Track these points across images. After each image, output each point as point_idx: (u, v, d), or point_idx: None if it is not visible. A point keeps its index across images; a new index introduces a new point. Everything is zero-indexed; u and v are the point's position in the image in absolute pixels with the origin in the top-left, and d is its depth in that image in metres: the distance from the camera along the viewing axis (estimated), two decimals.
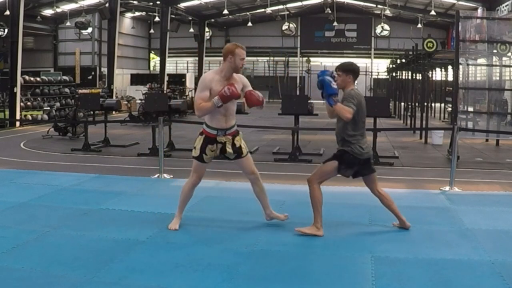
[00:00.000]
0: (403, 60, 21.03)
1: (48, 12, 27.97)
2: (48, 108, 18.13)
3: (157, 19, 30.59)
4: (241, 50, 4.70)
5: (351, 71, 4.86)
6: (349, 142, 4.78)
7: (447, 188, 7.28)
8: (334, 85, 4.68)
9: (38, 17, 27.54)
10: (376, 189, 5.00)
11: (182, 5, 29.28)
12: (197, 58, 34.48)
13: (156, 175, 7.99)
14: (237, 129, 4.97)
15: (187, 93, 25.93)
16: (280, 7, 32.10)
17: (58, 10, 27.58)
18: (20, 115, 17.11)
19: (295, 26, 36.89)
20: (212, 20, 34.14)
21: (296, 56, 38.10)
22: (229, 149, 4.84)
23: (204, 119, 4.84)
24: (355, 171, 4.90)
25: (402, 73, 22.74)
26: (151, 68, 38.51)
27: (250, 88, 4.91)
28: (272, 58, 38.22)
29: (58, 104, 18.87)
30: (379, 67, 36.55)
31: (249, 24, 32.72)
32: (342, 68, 4.88)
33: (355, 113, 4.66)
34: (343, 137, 4.82)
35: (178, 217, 5.04)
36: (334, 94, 4.67)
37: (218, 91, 4.58)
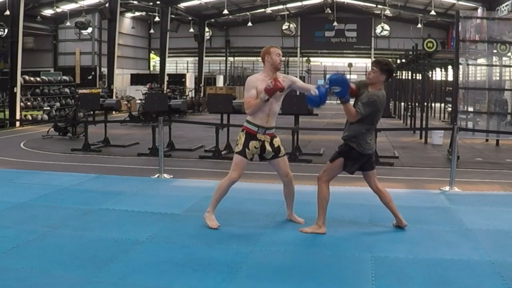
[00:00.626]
0: (403, 60, 21.05)
1: (48, 12, 27.98)
2: (48, 108, 18.11)
3: (157, 19, 30.60)
4: (275, 48, 5.01)
5: (387, 71, 4.78)
6: (357, 137, 4.76)
7: (447, 188, 7.28)
8: (337, 90, 4.67)
9: (38, 17, 27.55)
10: (375, 186, 5.01)
11: (182, 5, 29.28)
12: (197, 58, 34.47)
13: (156, 175, 7.99)
14: (275, 133, 5.11)
15: (187, 93, 25.92)
16: (280, 7, 32.11)
17: (58, 10, 27.59)
18: (20, 115, 17.10)
19: (295, 26, 36.90)
20: (212, 20, 34.14)
21: (296, 56, 38.13)
22: (268, 147, 5.00)
23: (247, 118, 5.02)
24: (359, 167, 4.90)
25: (402, 73, 22.74)
26: (151, 68, 38.52)
27: (300, 83, 5.14)
28: None
29: (58, 104, 18.85)
30: None
31: (249, 24, 32.73)
32: (380, 65, 4.80)
33: (370, 116, 4.69)
34: (351, 132, 4.79)
35: (212, 212, 5.09)
36: (344, 94, 4.67)
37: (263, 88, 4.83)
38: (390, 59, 26.85)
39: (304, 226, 5.01)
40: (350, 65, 35.30)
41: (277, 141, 5.08)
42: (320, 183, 4.90)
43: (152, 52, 38.21)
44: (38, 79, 19.47)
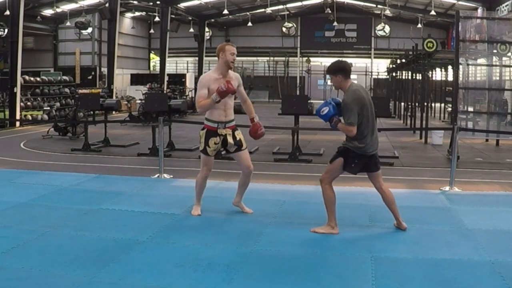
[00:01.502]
0: (403, 60, 21.04)
1: (48, 12, 27.97)
2: (48, 108, 18.13)
3: (157, 19, 30.59)
4: (230, 46, 5.12)
5: (338, 71, 4.81)
6: (352, 138, 4.77)
7: (447, 188, 7.28)
8: (323, 111, 4.77)
9: (38, 17, 27.54)
10: (379, 186, 5.00)
11: (182, 5, 29.28)
12: (197, 58, 34.48)
13: (156, 175, 7.99)
14: (235, 125, 5.31)
15: (187, 93, 25.92)
16: (280, 7, 32.10)
17: (58, 10, 27.58)
18: (20, 115, 17.11)
19: (295, 26, 36.90)
20: (212, 20, 34.14)
21: (296, 56, 38.10)
22: (230, 140, 5.18)
23: (205, 114, 5.19)
24: (361, 167, 4.87)
25: (402, 73, 22.74)
26: (151, 68, 38.51)
27: (241, 88, 5.30)
28: (272, 58, 38.22)
29: (58, 104, 18.87)
30: (379, 67, 36.56)
31: (249, 24, 32.71)
32: (329, 71, 4.88)
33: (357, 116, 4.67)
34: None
35: (198, 204, 5.48)
36: (329, 119, 4.77)
37: (216, 88, 4.97)
38: (390, 59, 26.72)
39: (314, 226, 4.99)
40: (350, 65, 35.27)
41: (238, 134, 5.27)
42: (322, 185, 4.89)
43: (152, 52, 38.19)
44: (38, 79, 19.48)
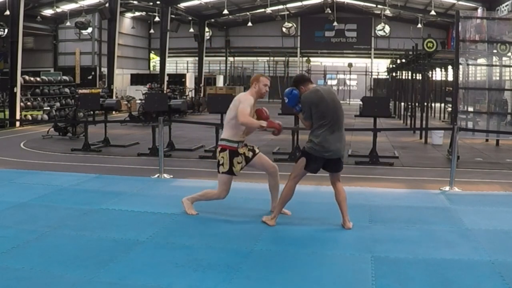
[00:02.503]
0: (403, 60, 21.04)
1: (48, 12, 27.99)
2: (48, 108, 18.11)
3: (157, 19, 30.60)
4: (265, 79, 5.40)
5: (297, 83, 5.16)
6: (311, 140, 4.99)
7: (447, 188, 7.28)
8: (286, 101, 5.24)
9: (38, 17, 27.56)
10: (335, 184, 5.14)
11: (182, 5, 29.28)
12: (197, 58, 34.47)
13: (156, 175, 7.99)
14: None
15: (187, 93, 25.93)
16: (280, 7, 32.11)
17: (58, 10, 27.60)
18: (20, 115, 17.10)
19: (295, 26, 36.91)
20: (212, 20, 34.14)
21: (296, 56, 38.11)
22: (247, 154, 5.38)
23: (225, 137, 5.32)
24: (321, 166, 5.07)
25: (402, 73, 22.75)
26: (151, 68, 38.51)
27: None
28: (272, 58, 38.22)
29: (58, 104, 18.85)
30: (379, 67, 36.57)
31: (249, 24, 32.72)
32: (295, 85, 5.18)
33: (313, 114, 4.94)
34: (309, 135, 5.07)
35: (192, 203, 5.56)
36: (293, 107, 5.21)
37: (258, 115, 5.34)
38: (390, 59, 26.81)
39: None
40: (350, 65, 35.28)
41: (249, 145, 5.48)
42: (288, 181, 5.12)
43: (152, 52, 38.20)
44: (38, 79, 19.47)
